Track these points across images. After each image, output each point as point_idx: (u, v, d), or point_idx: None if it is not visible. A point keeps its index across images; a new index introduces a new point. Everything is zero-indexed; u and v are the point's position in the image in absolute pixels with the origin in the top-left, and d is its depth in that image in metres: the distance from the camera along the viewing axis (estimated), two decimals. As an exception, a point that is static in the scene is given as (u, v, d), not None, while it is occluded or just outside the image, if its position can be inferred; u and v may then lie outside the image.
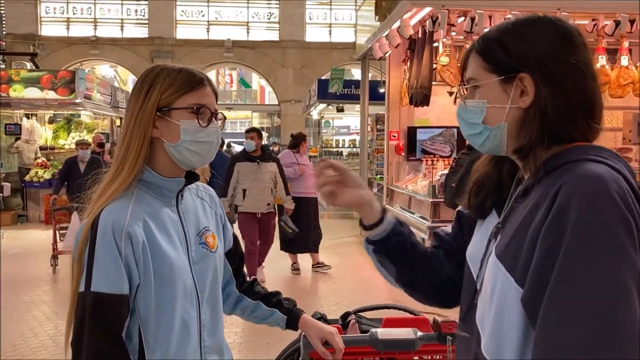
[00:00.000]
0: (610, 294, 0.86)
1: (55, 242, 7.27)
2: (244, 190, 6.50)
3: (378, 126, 11.06)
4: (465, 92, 1.14)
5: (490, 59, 1.08)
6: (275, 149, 15.90)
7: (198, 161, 1.41)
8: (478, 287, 1.10)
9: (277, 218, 6.95)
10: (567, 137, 1.03)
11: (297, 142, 7.72)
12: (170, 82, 1.38)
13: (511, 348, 0.97)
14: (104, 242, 1.28)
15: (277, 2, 22.02)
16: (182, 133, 1.37)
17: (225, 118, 1.50)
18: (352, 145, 17.03)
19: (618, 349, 0.84)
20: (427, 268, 1.30)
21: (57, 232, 7.43)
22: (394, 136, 8.51)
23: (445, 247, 1.32)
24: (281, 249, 7.30)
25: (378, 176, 10.45)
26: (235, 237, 1.67)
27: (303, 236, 7.09)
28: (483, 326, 1.05)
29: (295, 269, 7.35)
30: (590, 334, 0.85)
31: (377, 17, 8.85)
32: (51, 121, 13.87)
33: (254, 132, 6.71)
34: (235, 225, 6.45)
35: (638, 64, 7.01)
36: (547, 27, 1.06)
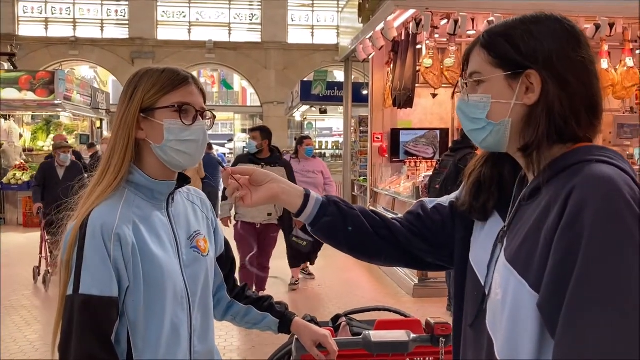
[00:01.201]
0: (634, 294, 0.86)
1: (46, 256, 6.68)
2: None
3: (361, 128, 11.08)
4: (466, 86, 1.12)
5: (497, 54, 1.07)
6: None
7: (186, 161, 1.39)
8: (487, 292, 1.09)
9: (280, 232, 5.96)
10: (571, 135, 1.03)
11: (295, 146, 6.97)
12: (153, 83, 1.37)
13: (526, 352, 0.96)
14: (93, 243, 1.26)
15: (259, 3, 21.97)
16: (166, 133, 1.35)
17: (214, 116, 1.48)
18: (335, 147, 17.06)
19: None
20: (373, 239, 1.28)
21: (45, 243, 6.67)
22: (378, 138, 8.53)
23: (421, 230, 1.28)
24: (291, 266, 6.56)
25: (361, 178, 10.46)
26: (226, 242, 1.65)
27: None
28: (495, 331, 1.04)
29: (295, 282, 6.65)
30: (615, 334, 0.85)
31: (360, 19, 8.87)
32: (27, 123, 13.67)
33: (256, 131, 5.71)
34: (230, 234, 5.74)
35: (617, 67, 7.13)
36: (554, 25, 1.06)
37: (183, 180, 1.47)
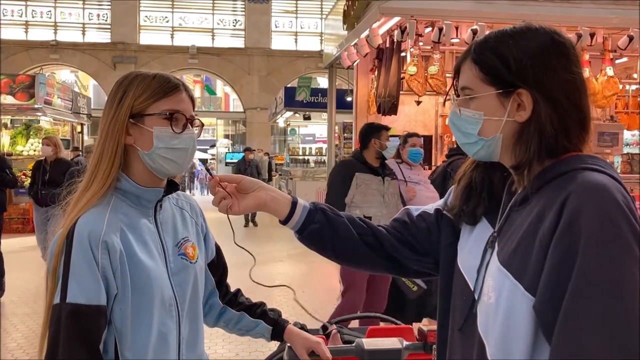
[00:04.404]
0: (630, 301, 0.88)
1: None
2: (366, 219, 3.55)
3: (345, 134, 11.12)
4: (457, 98, 1.14)
5: (488, 71, 1.08)
6: (251, 156, 13.27)
7: (173, 169, 1.38)
8: (476, 297, 1.09)
9: None
10: (562, 150, 1.05)
11: (398, 146, 4.93)
12: (144, 88, 1.34)
13: (520, 353, 0.98)
14: (80, 252, 1.24)
15: (243, 9, 21.97)
16: (155, 140, 1.33)
17: (202, 125, 1.47)
18: (318, 154, 17.08)
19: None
20: (359, 246, 1.29)
21: None
22: (362, 144, 8.54)
23: (406, 237, 1.29)
24: (385, 311, 4.14)
25: (345, 184, 10.47)
26: (217, 248, 1.63)
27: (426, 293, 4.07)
28: (487, 334, 1.05)
29: None
30: (614, 340, 0.87)
31: (344, 26, 8.90)
32: (5, 126, 13.44)
33: (387, 131, 4.29)
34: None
35: (597, 76, 7.24)
36: (544, 40, 1.06)
37: (172, 186, 1.45)
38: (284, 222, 1.29)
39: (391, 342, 1.61)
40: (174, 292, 1.38)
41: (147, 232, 1.36)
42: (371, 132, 4.28)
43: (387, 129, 4.34)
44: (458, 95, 1.14)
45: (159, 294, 1.33)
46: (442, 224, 1.26)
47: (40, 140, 7.14)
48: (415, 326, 1.73)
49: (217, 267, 1.62)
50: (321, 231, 1.27)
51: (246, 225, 12.68)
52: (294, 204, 1.29)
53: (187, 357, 1.41)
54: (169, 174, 1.39)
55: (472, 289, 1.11)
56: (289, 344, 1.62)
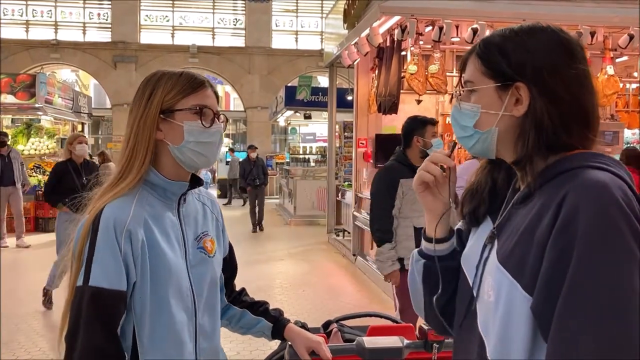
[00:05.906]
0: (625, 301, 0.87)
1: None
2: (418, 230, 3.38)
3: (346, 133, 11.12)
4: (462, 93, 1.14)
5: (489, 64, 1.09)
6: (253, 155, 12.33)
7: (202, 162, 1.43)
8: (475, 294, 1.09)
9: None
10: (563, 146, 1.04)
11: None
12: (173, 85, 1.40)
13: (519, 353, 0.98)
14: (105, 237, 1.29)
15: (243, 8, 21.95)
16: (186, 134, 1.39)
17: (227, 120, 1.51)
18: (318, 153, 17.06)
19: (634, 355, 0.86)
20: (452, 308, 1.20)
21: None
22: (362, 143, 8.56)
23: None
24: None
25: (346, 183, 10.48)
26: (230, 246, 1.67)
27: None
28: (487, 333, 1.05)
29: None
30: (607, 341, 0.86)
31: (345, 26, 8.91)
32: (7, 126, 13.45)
33: (434, 125, 3.77)
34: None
35: (598, 75, 7.24)
36: (549, 38, 1.07)
37: (196, 181, 1.50)
38: (439, 240, 1.20)
39: (392, 341, 1.61)
40: (192, 284, 1.42)
41: (170, 224, 1.41)
42: (414, 127, 3.72)
43: (433, 123, 3.75)
44: (463, 92, 1.14)
45: (176, 285, 1.37)
46: (464, 239, 1.23)
47: (78, 139, 5.95)
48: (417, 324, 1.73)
49: (228, 265, 1.65)
50: (451, 272, 1.18)
51: (254, 231, 11.86)
52: (452, 230, 1.22)
53: (204, 346, 1.45)
54: (197, 167, 1.45)
55: (471, 285, 1.11)
56: (289, 343, 1.62)
